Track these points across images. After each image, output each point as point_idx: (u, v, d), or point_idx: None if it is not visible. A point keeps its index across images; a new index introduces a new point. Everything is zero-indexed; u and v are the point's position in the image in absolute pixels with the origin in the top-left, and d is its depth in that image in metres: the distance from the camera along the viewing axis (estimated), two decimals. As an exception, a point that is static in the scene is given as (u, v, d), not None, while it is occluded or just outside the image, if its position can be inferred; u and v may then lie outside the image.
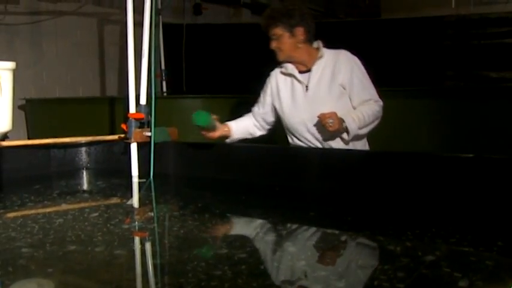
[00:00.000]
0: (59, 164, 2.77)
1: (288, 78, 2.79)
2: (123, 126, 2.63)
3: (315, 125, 2.68)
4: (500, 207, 1.87)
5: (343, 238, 1.70)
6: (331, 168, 2.32)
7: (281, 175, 2.39)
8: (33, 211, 2.03)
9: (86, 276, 1.36)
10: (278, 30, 2.69)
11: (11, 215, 1.99)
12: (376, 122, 2.68)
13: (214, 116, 2.68)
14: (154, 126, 2.61)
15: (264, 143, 2.88)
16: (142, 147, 2.63)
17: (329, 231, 1.67)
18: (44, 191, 2.41)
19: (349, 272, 1.37)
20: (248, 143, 2.79)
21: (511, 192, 1.86)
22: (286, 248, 1.57)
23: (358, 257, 1.53)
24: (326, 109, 2.59)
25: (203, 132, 2.69)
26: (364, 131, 2.65)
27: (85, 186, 2.69)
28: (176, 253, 1.52)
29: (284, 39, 2.70)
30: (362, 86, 2.69)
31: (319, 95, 2.69)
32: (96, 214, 1.94)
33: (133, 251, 1.60)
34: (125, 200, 2.29)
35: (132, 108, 2.64)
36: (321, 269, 1.39)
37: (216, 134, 2.72)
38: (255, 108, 2.92)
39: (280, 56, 2.75)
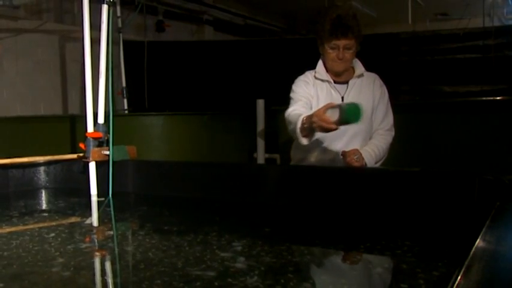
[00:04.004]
0: (17, 183, 2.75)
1: (323, 84, 2.79)
2: (81, 145, 2.64)
3: (347, 136, 2.71)
4: (447, 220, 1.94)
5: (295, 253, 1.74)
6: (287, 185, 2.37)
7: (239, 192, 2.43)
8: (-11, 232, 2.01)
9: (42, 297, 1.37)
10: (353, 41, 2.68)
11: (-33, 236, 1.97)
12: (386, 154, 2.78)
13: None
14: (113, 145, 2.63)
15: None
16: (101, 165, 2.64)
17: (282, 247, 1.71)
18: (2, 211, 2.38)
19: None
20: (207, 161, 2.81)
21: (458, 205, 1.94)
22: (241, 264, 1.60)
23: (310, 272, 1.57)
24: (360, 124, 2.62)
25: (334, 126, 2.34)
26: (378, 164, 2.73)
27: (44, 206, 2.67)
28: (133, 272, 1.54)
29: (353, 50, 2.71)
30: (385, 112, 2.80)
31: None
32: (54, 234, 1.94)
33: (91, 270, 1.60)
34: (83, 219, 2.29)
35: (90, 127, 2.65)
36: (273, 285, 1.43)
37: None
38: (302, 109, 2.66)
39: (342, 67, 2.73)
